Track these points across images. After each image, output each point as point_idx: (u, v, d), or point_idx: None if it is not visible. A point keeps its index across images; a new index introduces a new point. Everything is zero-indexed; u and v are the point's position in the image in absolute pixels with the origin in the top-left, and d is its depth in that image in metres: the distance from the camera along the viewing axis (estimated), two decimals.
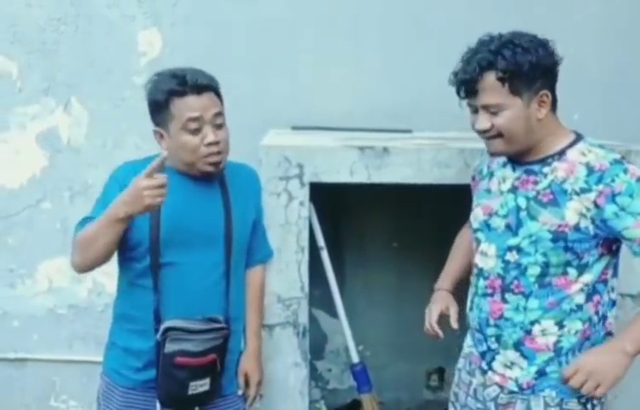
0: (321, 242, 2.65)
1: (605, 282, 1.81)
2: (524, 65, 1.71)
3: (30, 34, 3.11)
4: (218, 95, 2.03)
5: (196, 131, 1.94)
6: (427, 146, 2.36)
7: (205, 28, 3.10)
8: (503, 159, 1.92)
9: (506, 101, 1.74)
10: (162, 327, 1.95)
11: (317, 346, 3.29)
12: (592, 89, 2.98)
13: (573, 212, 1.73)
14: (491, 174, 1.95)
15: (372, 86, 3.14)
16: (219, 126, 1.98)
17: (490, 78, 1.73)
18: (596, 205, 1.70)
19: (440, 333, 2.03)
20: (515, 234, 1.81)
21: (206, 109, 1.94)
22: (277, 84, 3.12)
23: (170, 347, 1.93)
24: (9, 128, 3.15)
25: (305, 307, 2.34)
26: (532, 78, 1.73)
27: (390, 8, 3.13)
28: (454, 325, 2.01)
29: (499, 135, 1.78)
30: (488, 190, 1.93)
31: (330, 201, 2.70)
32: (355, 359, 2.78)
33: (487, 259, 1.88)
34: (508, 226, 1.83)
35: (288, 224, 2.29)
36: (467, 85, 1.78)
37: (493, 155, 1.87)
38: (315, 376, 3.34)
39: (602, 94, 3.08)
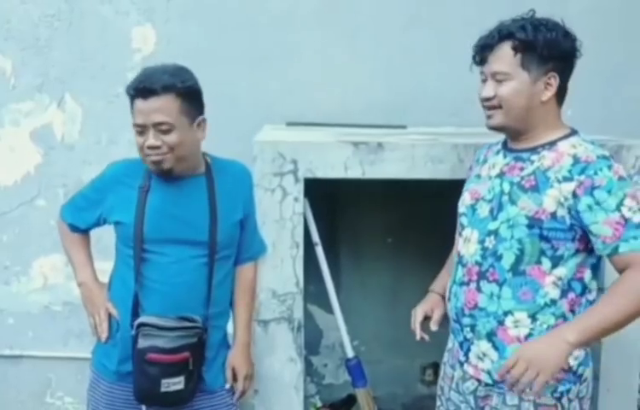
0: (315, 237, 2.66)
1: (581, 280, 1.80)
2: (539, 40, 1.75)
3: (23, 30, 3.10)
4: (185, 95, 1.97)
5: (141, 133, 1.98)
6: (421, 142, 2.36)
7: (199, 24, 3.10)
8: (498, 147, 1.94)
9: (514, 72, 1.78)
10: (136, 322, 1.99)
11: (312, 341, 3.30)
12: (585, 84, 2.98)
13: (551, 199, 1.74)
14: (484, 161, 1.97)
15: (366, 82, 3.14)
16: (164, 132, 1.95)
17: (505, 46, 1.78)
18: (575, 195, 1.71)
19: (419, 335, 2.05)
20: (495, 218, 1.83)
21: (148, 115, 1.94)
22: (272, 80, 3.12)
23: (142, 342, 1.97)
24: (3, 125, 3.15)
25: (300, 303, 2.35)
26: (545, 57, 1.76)
27: (385, 4, 3.13)
28: (433, 327, 2.03)
29: (499, 106, 1.81)
30: (478, 176, 1.96)
31: (325, 196, 2.70)
32: (350, 354, 2.79)
33: (469, 245, 1.89)
34: (491, 211, 1.85)
35: (283, 219, 2.30)
36: (483, 50, 1.83)
37: (491, 128, 1.88)
38: (310, 371, 3.35)
39: (595, 90, 3.09)
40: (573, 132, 1.84)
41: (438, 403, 2.09)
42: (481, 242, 1.85)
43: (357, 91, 3.13)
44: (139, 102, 1.95)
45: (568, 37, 1.79)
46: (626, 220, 1.67)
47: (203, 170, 2.10)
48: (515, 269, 1.80)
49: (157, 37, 3.10)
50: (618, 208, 1.68)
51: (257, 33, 3.11)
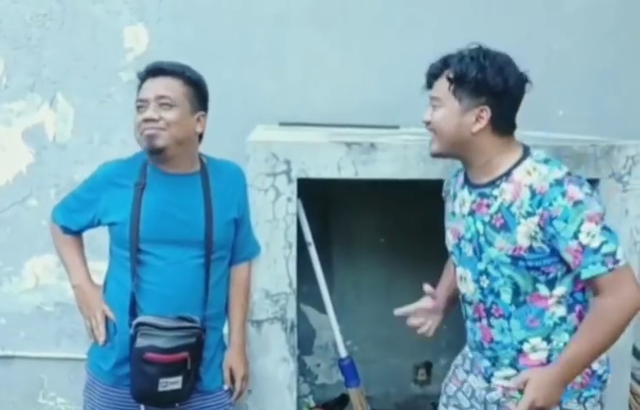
0: (309, 237, 2.66)
1: (583, 291, 1.81)
2: (469, 76, 1.77)
3: (15, 30, 3.09)
4: (191, 83, 2.03)
5: (142, 109, 1.99)
6: (414, 142, 2.37)
7: (192, 24, 3.09)
8: (462, 180, 1.94)
9: (445, 99, 1.81)
10: (134, 322, 1.98)
11: (305, 341, 3.30)
12: (576, 85, 3.01)
13: (523, 236, 1.74)
14: (454, 196, 1.97)
15: (359, 83, 3.15)
16: (164, 107, 1.97)
17: (443, 76, 1.82)
18: (540, 227, 1.72)
19: (402, 310, 2.10)
20: (480, 259, 1.84)
21: (152, 90, 1.99)
22: (265, 80, 3.12)
23: (140, 342, 1.95)
24: None
25: (293, 303, 2.35)
26: (476, 91, 1.77)
27: (377, 5, 3.13)
28: (426, 305, 2.08)
29: (435, 132, 1.85)
30: (453, 213, 1.96)
31: (318, 196, 2.71)
32: (343, 353, 2.79)
33: (466, 284, 1.91)
34: (474, 251, 1.86)
35: (276, 220, 2.30)
36: (428, 77, 1.89)
37: (431, 155, 1.92)
38: (303, 371, 3.36)
39: (587, 90, 3.10)
40: (525, 153, 1.82)
41: (442, 400, 2.09)
42: (476, 281, 1.87)
43: (350, 92, 3.14)
44: (147, 81, 2.01)
45: (502, 74, 1.77)
46: (584, 247, 1.68)
47: (199, 169, 2.10)
48: (516, 301, 1.81)
49: (149, 36, 3.10)
50: (575, 236, 1.68)
51: (250, 33, 3.11)
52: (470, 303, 1.92)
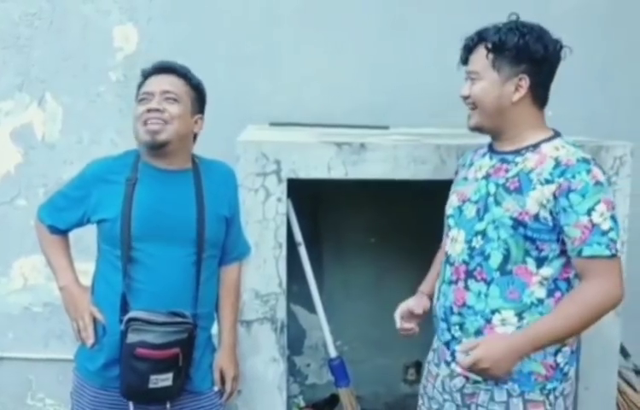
0: (299, 237, 2.66)
1: (567, 280, 1.83)
2: (509, 43, 1.80)
3: (4, 29, 3.07)
4: (192, 86, 2.10)
5: (145, 102, 2.02)
6: (404, 142, 2.37)
7: (182, 24, 3.09)
8: (484, 150, 1.97)
9: (484, 71, 1.84)
10: (126, 317, 1.96)
11: (295, 341, 3.30)
12: (565, 86, 3.02)
13: (533, 201, 1.77)
14: (471, 164, 2.00)
15: (350, 83, 3.15)
16: (169, 101, 2.02)
17: (480, 48, 1.85)
18: (555, 196, 1.75)
19: (400, 323, 2.09)
20: (481, 219, 1.86)
21: (158, 84, 2.03)
22: (255, 80, 3.11)
23: (131, 337, 1.94)
24: None
25: (283, 303, 2.35)
26: (515, 59, 1.81)
27: (368, 6, 3.14)
28: (416, 310, 2.08)
29: (475, 106, 1.87)
30: (465, 178, 1.98)
31: (308, 197, 2.71)
32: (333, 353, 2.79)
33: (456, 245, 1.92)
34: (477, 212, 1.88)
35: (266, 220, 2.30)
36: (464, 51, 1.90)
37: (470, 129, 1.93)
38: (293, 371, 3.35)
39: (575, 92, 3.12)
40: (557, 135, 1.87)
41: (419, 402, 2.10)
42: (468, 241, 1.88)
43: (341, 92, 3.14)
44: (153, 77, 2.06)
45: (542, 41, 1.82)
46: (594, 225, 1.71)
47: (191, 166, 2.10)
48: (503, 268, 1.82)
49: (139, 36, 3.09)
50: (588, 213, 1.71)
51: (240, 33, 3.11)
52: (452, 264, 1.92)
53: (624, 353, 2.81)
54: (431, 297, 2.09)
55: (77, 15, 3.08)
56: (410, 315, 2.09)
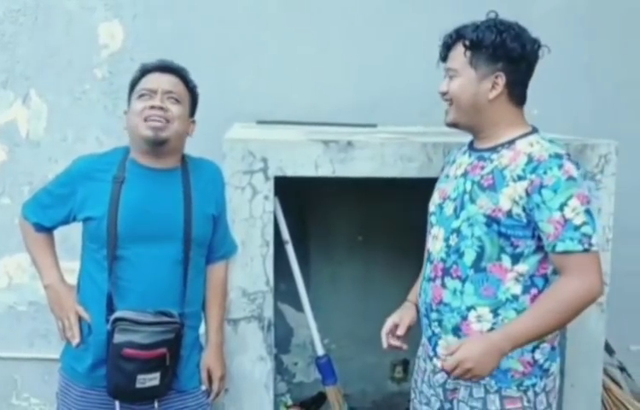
0: (286, 236, 2.66)
1: (544, 276, 1.84)
2: (486, 41, 1.81)
3: None
4: (189, 88, 2.12)
5: (146, 98, 2.01)
6: (391, 140, 2.38)
7: (167, 21, 3.07)
8: (465, 147, 1.98)
9: (462, 69, 1.86)
10: (112, 317, 1.95)
11: (282, 340, 3.30)
12: (551, 85, 3.05)
13: (506, 198, 1.78)
14: (454, 161, 2.02)
15: (337, 81, 3.15)
16: (171, 101, 2.03)
17: (459, 45, 1.87)
18: (527, 193, 1.75)
19: (386, 343, 2.04)
20: (457, 217, 1.87)
21: (161, 83, 2.03)
22: (242, 78, 3.11)
23: (118, 337, 1.93)
24: None
25: (271, 301, 2.35)
26: (492, 57, 1.82)
27: (355, 4, 3.14)
28: (399, 331, 2.02)
29: (452, 102, 1.89)
30: (447, 176, 2.00)
31: (295, 195, 2.70)
32: (320, 352, 2.79)
33: (436, 242, 1.94)
34: (455, 210, 1.89)
35: (253, 218, 2.29)
36: (443, 48, 1.92)
37: (447, 124, 1.95)
38: (281, 369, 3.35)
39: (561, 89, 3.15)
40: (534, 131, 1.88)
41: (412, 395, 2.12)
42: (446, 239, 1.90)
43: (328, 90, 3.14)
44: (154, 74, 2.05)
45: (519, 40, 1.82)
46: (566, 221, 1.71)
47: (179, 165, 2.10)
48: (477, 266, 1.83)
49: (124, 33, 3.07)
50: (561, 208, 1.72)
51: (226, 31, 3.10)
52: (432, 262, 1.94)
53: (608, 350, 2.83)
54: (416, 304, 2.08)
55: (61, 12, 3.05)
56: (396, 331, 2.05)
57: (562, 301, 1.74)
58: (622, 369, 2.98)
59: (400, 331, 2.03)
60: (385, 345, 2.05)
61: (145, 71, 2.07)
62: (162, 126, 1.98)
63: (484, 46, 1.81)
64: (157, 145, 2.00)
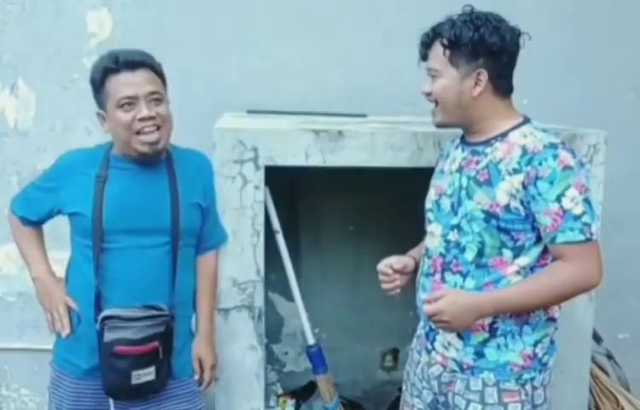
0: (276, 225, 2.66)
1: (545, 267, 1.83)
2: (464, 38, 1.78)
3: None
4: (158, 74, 2.00)
5: (129, 107, 1.92)
6: (381, 130, 2.38)
7: (157, 10, 3.05)
8: (457, 141, 1.97)
9: (443, 68, 1.83)
10: (100, 316, 1.94)
11: (273, 329, 3.30)
12: (540, 74, 3.06)
13: (503, 192, 1.76)
14: (447, 155, 2.00)
15: (327, 71, 3.15)
16: (156, 102, 1.95)
17: (437, 44, 1.83)
18: (524, 186, 1.74)
19: (382, 267, 2.02)
20: (456, 213, 1.86)
21: (140, 86, 1.92)
22: (232, 67, 3.09)
23: (108, 336, 1.92)
24: None
25: (261, 291, 2.35)
26: (472, 54, 1.79)
27: None
28: (395, 265, 2.01)
29: (437, 103, 1.87)
30: (442, 171, 1.98)
31: (286, 184, 2.70)
32: (311, 341, 2.80)
33: (434, 238, 1.92)
34: (452, 206, 1.88)
35: (243, 207, 2.29)
36: (422, 47, 1.89)
37: (435, 126, 1.93)
38: (271, 359, 3.36)
39: (550, 79, 3.16)
40: (526, 121, 1.85)
41: (404, 387, 2.12)
42: (444, 235, 1.88)
43: (318, 80, 3.14)
44: (125, 76, 1.91)
45: (498, 32, 1.78)
46: (565, 211, 1.70)
47: (164, 156, 2.08)
48: (478, 261, 1.82)
49: (113, 22, 3.04)
50: (558, 199, 1.70)
51: (216, 20, 3.08)
52: (430, 257, 1.93)
53: (596, 338, 2.86)
54: (416, 261, 2.05)
55: (49, 0, 3.02)
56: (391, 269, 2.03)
57: (556, 281, 1.74)
58: (609, 357, 3.01)
59: (397, 265, 2.01)
60: (380, 265, 2.02)
61: (109, 71, 1.93)
62: (157, 139, 1.94)
63: (462, 44, 1.78)
64: (155, 155, 1.99)
